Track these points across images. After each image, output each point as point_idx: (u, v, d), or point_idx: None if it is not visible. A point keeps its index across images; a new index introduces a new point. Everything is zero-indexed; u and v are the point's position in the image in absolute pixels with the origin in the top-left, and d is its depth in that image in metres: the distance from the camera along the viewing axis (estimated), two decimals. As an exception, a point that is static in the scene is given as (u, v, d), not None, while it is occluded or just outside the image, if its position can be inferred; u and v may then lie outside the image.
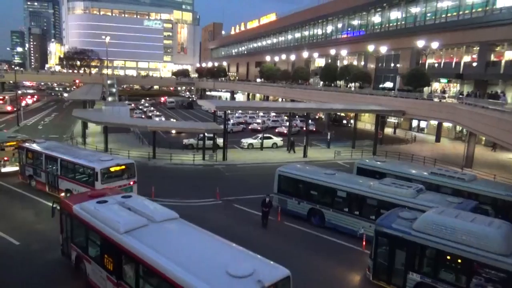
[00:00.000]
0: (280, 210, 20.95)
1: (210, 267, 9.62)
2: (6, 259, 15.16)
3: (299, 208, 20.54)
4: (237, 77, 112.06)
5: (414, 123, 56.23)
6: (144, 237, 11.33)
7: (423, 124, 55.02)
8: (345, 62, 66.84)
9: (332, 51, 64.71)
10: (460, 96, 38.66)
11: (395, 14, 56.16)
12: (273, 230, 19.42)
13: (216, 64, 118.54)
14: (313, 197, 20.01)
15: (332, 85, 61.62)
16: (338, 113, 60.27)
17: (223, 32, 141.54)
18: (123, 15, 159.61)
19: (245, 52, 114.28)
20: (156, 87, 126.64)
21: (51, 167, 23.09)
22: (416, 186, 17.78)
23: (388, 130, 53.33)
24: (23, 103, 68.56)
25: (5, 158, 26.84)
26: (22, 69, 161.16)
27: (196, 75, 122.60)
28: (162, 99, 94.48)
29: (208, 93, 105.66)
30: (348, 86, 58.75)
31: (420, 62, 50.90)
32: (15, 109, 55.64)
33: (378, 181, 18.76)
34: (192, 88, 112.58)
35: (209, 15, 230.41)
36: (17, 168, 26.26)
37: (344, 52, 61.79)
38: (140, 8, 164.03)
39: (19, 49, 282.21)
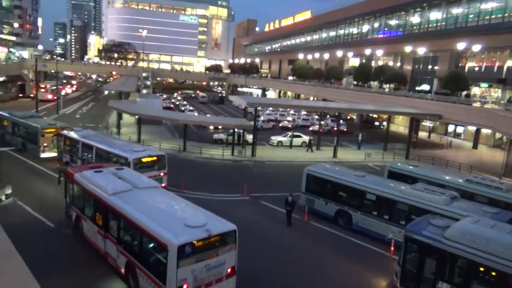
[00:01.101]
0: (307, 209, 20.81)
1: (173, 220, 12.12)
2: (41, 239, 15.96)
3: (326, 208, 20.34)
4: (269, 74, 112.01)
5: (451, 128, 54.21)
6: (127, 198, 13.87)
7: (460, 129, 52.97)
8: (380, 63, 65.38)
9: (367, 51, 63.44)
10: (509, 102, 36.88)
11: (435, 15, 54.30)
12: (299, 229, 19.33)
13: (248, 60, 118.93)
14: (341, 198, 19.75)
15: (366, 85, 60.44)
16: (371, 115, 59.09)
17: (257, 29, 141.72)
18: (160, 9, 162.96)
19: (278, 49, 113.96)
20: (189, 81, 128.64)
21: (87, 154, 23.99)
22: (450, 193, 17.17)
23: (423, 134, 51.79)
24: (63, 92, 71.33)
25: (45, 144, 28.07)
26: (63, 59, 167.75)
27: (228, 70, 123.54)
28: (194, 93, 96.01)
29: (239, 89, 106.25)
30: (382, 87, 57.45)
31: (460, 65, 49.00)
32: (55, 97, 58.09)
33: (410, 186, 18.27)
34: (224, 83, 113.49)
35: (244, 12, 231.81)
36: (55, 154, 27.41)
37: (379, 52, 60.39)
38: (177, 3, 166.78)
39: (61, 40, 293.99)
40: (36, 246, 14.79)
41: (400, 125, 56.54)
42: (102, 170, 16.42)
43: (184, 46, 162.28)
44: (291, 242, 17.84)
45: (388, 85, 55.55)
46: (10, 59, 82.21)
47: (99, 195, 14.55)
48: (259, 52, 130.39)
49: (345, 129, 50.01)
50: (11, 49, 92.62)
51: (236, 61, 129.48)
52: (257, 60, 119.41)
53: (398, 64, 62.46)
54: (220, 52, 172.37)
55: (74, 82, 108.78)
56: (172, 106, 65.64)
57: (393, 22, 64.14)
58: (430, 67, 56.06)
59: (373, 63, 66.06)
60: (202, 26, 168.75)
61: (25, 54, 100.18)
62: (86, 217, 15.65)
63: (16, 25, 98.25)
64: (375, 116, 60.00)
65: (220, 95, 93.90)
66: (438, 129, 54.86)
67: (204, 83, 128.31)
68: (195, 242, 11.13)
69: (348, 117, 65.73)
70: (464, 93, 43.27)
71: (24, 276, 2.09)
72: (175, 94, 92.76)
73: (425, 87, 55.13)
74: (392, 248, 16.59)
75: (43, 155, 28.15)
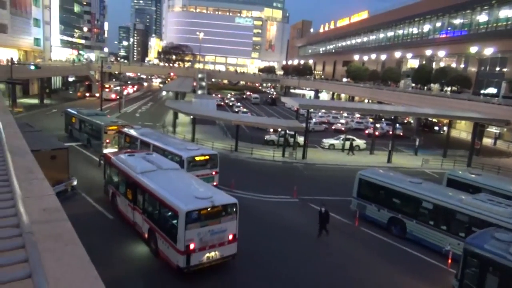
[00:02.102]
0: (358, 215, 20.26)
1: (185, 193, 14.58)
2: (102, 230, 17.10)
3: (378, 215, 19.66)
4: (322, 76, 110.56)
5: (520, 135, 50.05)
6: (151, 176, 16.43)
7: (531, 136, 48.72)
8: (442, 64, 61.93)
9: (428, 52, 60.38)
10: None
11: (506, 13, 50.37)
12: (349, 235, 18.87)
13: (302, 62, 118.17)
14: (395, 205, 18.98)
15: (425, 88, 57.56)
16: (430, 119, 56.17)
17: (311, 30, 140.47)
18: (216, 12, 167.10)
19: (333, 50, 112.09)
20: (242, 82, 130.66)
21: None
22: (517, 205, 15.87)
23: (487, 141, 48.28)
24: (125, 92, 75.57)
25: (107, 140, 29.93)
26: (125, 61, 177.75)
27: (281, 72, 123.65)
28: (246, 94, 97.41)
29: (292, 90, 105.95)
30: (444, 90, 54.38)
31: (533, 66, 45.04)
32: (118, 97, 61.69)
33: (472, 195, 17.13)
34: (277, 85, 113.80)
35: (299, 13, 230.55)
36: (116, 150, 29.13)
37: (441, 53, 57.21)
38: (233, 5, 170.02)
39: (125, 43, 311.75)
40: (95, 236, 15.81)
41: (462, 131, 53.15)
42: (134, 154, 19.65)
43: (239, 47, 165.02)
44: (339, 246, 17.49)
45: (450, 88, 52.48)
46: (79, 61, 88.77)
47: (129, 173, 17.26)
48: (313, 54, 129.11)
49: (401, 133, 48.04)
50: (80, 52, 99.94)
51: (290, 62, 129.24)
52: (311, 62, 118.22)
53: (462, 65, 58.74)
54: (273, 54, 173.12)
55: (138, 83, 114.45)
56: (222, 103, 67.95)
57: (457, 21, 60.48)
58: (498, 68, 52.11)
59: (433, 65, 62.80)
60: (257, 28, 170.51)
61: (93, 56, 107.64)
62: (119, 192, 18.54)
63: (85, 29, 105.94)
64: (434, 120, 56.98)
65: (270, 96, 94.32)
66: (505, 136, 50.82)
67: (257, 84, 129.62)
68: (200, 210, 13.61)
69: (405, 121, 63.03)
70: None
71: (84, 263, 2.25)
72: (228, 95, 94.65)
73: (492, 90, 51.32)
74: (449, 261, 15.66)
75: (105, 151, 30.01)
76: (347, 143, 38.75)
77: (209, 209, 13.72)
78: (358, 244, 17.89)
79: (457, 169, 26.98)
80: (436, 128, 57.00)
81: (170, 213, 14.22)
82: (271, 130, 41.20)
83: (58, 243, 2.45)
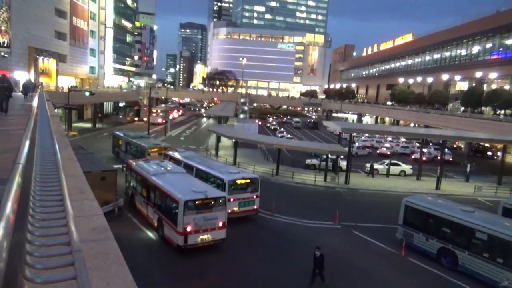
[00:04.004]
0: (405, 244, 19.28)
1: (186, 188, 18.31)
2: (144, 250, 17.54)
3: (427, 245, 18.59)
4: (365, 99, 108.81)
5: None
6: (161, 177, 20.31)
7: None
8: (494, 86, 58.97)
9: (478, 74, 57.84)
10: None
11: None
12: (395, 265, 17.95)
13: (344, 85, 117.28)
14: (445, 235, 17.90)
15: (476, 111, 54.88)
16: (482, 143, 53.18)
17: (354, 54, 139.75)
18: (259, 38, 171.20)
19: (376, 74, 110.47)
20: (284, 106, 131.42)
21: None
22: None
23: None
24: (170, 117, 78.48)
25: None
26: (172, 86, 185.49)
27: (323, 96, 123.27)
28: (287, 118, 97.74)
29: (334, 114, 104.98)
30: (498, 113, 51.54)
31: None
32: (164, 121, 64.12)
33: (531, 226, 15.83)
34: (319, 109, 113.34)
35: (341, 37, 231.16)
36: None
37: (493, 75, 54.66)
38: (275, 32, 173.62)
39: (172, 70, 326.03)
40: (139, 256, 16.20)
41: (519, 156, 49.76)
42: (149, 161, 24.21)
43: (281, 72, 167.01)
44: (383, 277, 16.64)
45: (503, 111, 49.66)
46: (131, 87, 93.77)
47: (144, 175, 21.33)
48: (355, 77, 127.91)
49: (451, 159, 45.78)
50: (130, 78, 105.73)
51: (332, 86, 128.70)
52: (353, 85, 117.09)
53: (517, 87, 55.63)
54: (315, 78, 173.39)
55: (183, 108, 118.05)
56: (259, 123, 65.21)
57: (509, 41, 57.76)
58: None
59: (484, 87, 59.94)
60: (299, 52, 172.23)
61: (142, 82, 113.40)
62: (137, 192, 22.48)
63: (136, 57, 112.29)
64: (487, 145, 53.86)
65: (308, 120, 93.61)
66: None
67: (298, 108, 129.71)
68: (196, 200, 17.22)
69: (455, 146, 60.09)
70: None
71: (127, 283, 2.34)
72: (270, 119, 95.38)
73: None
74: (508, 298, 14.40)
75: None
76: (394, 168, 37.52)
77: (203, 199, 17.35)
78: (405, 275, 16.95)
79: (514, 198, 25.10)
80: (489, 153, 53.81)
81: (173, 203, 17.72)
82: (312, 153, 40.79)
83: (104, 262, 2.56)
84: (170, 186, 18.68)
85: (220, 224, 17.59)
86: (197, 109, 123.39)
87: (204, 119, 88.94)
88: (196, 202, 17.15)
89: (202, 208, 17.24)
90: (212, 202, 17.61)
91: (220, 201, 17.82)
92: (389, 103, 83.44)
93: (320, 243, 15.80)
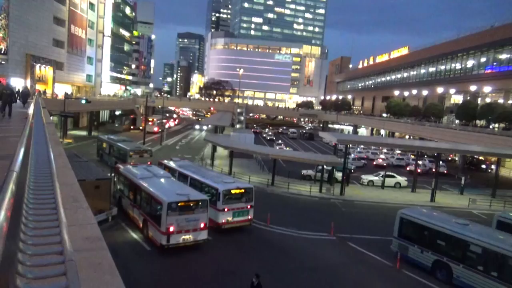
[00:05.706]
0: (400, 256, 19.22)
1: (170, 191, 19.32)
2: (137, 259, 17.32)
3: (421, 257, 18.55)
4: (361, 111, 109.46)
5: None
6: (148, 180, 21.08)
7: None
8: (488, 100, 59.62)
9: (473, 88, 58.49)
10: None
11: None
12: (390, 278, 17.87)
13: (340, 97, 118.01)
14: (439, 247, 17.87)
15: (470, 124, 55.37)
16: (476, 156, 53.51)
17: (350, 66, 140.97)
18: (257, 49, 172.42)
19: (372, 86, 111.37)
20: (280, 117, 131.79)
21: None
22: None
23: (542, 181, 45.05)
24: (166, 126, 78.30)
25: (132, 163, 30.87)
26: (168, 95, 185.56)
27: (319, 107, 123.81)
28: (282, 129, 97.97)
29: (330, 125, 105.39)
30: (492, 126, 52.01)
31: None
32: (160, 130, 64.00)
33: (526, 240, 15.86)
34: (315, 120, 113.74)
35: (337, 49, 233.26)
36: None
37: (487, 88, 55.27)
38: (273, 43, 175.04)
39: (169, 79, 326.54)
40: (132, 265, 16.00)
41: (512, 170, 50.10)
42: (137, 165, 25.16)
43: (278, 83, 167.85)
44: (380, 290, 16.55)
45: (497, 125, 50.12)
46: (126, 96, 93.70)
47: (132, 179, 22.11)
48: (351, 89, 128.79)
49: (445, 171, 45.99)
50: (127, 87, 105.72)
51: (328, 97, 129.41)
52: (349, 97, 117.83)
53: (510, 101, 56.25)
54: (312, 89, 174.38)
55: (175, 116, 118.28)
56: (257, 130, 66.63)
57: (503, 56, 58.59)
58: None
59: (479, 100, 60.56)
60: (296, 64, 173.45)
61: (139, 91, 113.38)
62: (124, 195, 23.25)
63: (133, 66, 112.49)
64: (481, 158, 54.21)
65: (305, 131, 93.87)
66: None
67: (294, 119, 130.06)
68: (178, 202, 18.05)
69: (449, 158, 60.41)
70: None
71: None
72: (266, 129, 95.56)
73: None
74: (503, 312, 14.35)
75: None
76: (390, 180, 37.57)
77: (185, 201, 18.19)
78: (400, 288, 16.87)
79: (508, 211, 25.18)
80: (484, 166, 54.12)
81: (157, 205, 18.56)
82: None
83: (97, 273, 2.54)
84: (155, 188, 19.68)
85: (202, 225, 18.43)
86: (198, 119, 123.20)
87: (196, 132, 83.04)
88: (179, 204, 17.98)
89: (185, 209, 18.11)
90: (194, 204, 18.46)
91: (202, 203, 18.66)
92: (384, 115, 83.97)
93: (259, 272, 13.91)
